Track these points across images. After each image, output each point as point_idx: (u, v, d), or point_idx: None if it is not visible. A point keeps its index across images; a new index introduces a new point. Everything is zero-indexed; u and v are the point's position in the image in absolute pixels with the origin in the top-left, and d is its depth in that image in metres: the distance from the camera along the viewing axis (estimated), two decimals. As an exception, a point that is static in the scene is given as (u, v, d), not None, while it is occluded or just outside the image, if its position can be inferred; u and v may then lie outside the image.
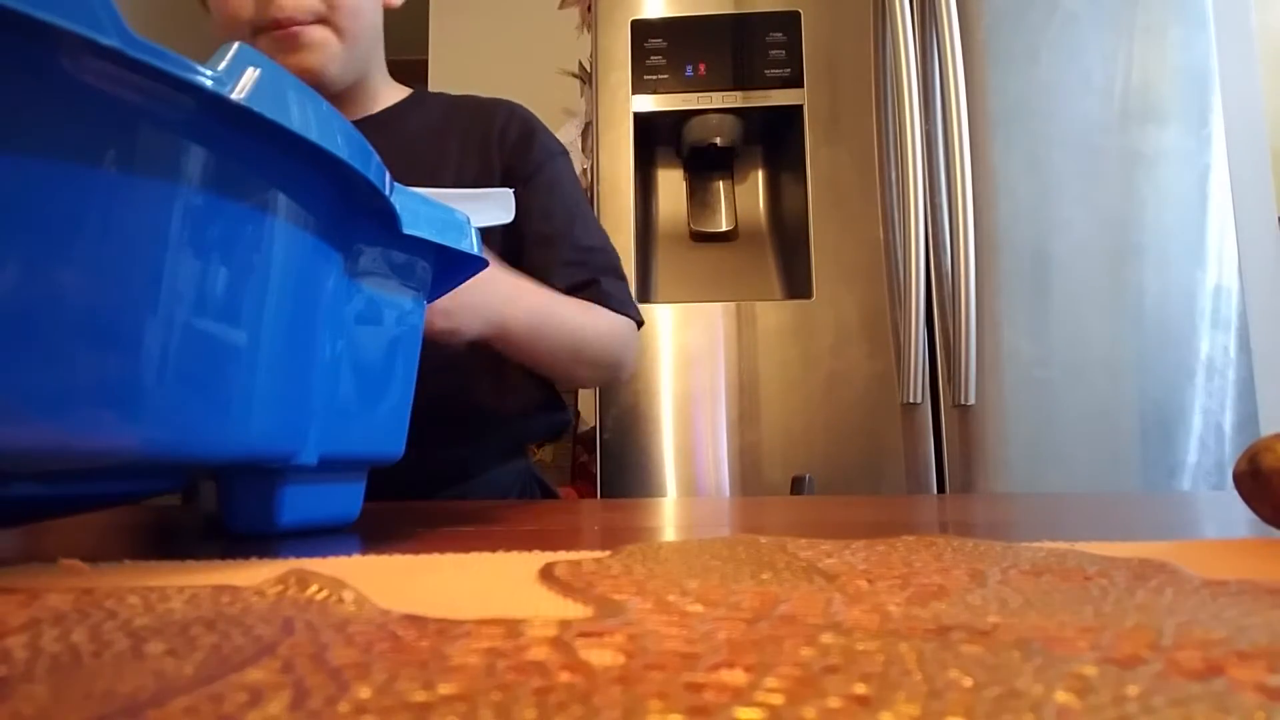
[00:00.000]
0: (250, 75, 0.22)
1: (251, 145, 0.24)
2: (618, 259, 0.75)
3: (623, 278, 0.74)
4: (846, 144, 1.16)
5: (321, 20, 0.64)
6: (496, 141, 0.72)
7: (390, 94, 0.76)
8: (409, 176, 0.70)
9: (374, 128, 0.71)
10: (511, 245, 0.70)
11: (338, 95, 0.69)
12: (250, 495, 0.29)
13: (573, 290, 0.69)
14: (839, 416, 1.10)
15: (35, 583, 0.19)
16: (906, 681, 0.10)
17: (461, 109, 0.76)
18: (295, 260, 0.26)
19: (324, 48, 0.65)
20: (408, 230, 0.31)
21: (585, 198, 0.77)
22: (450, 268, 0.37)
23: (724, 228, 1.26)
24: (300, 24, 0.63)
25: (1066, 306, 1.12)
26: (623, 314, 0.71)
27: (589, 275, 0.70)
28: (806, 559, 0.20)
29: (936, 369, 1.11)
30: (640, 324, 0.74)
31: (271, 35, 0.63)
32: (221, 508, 0.30)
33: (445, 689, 0.10)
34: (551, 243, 0.70)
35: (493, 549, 0.25)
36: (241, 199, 0.24)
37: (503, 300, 0.59)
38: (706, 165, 1.27)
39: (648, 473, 1.10)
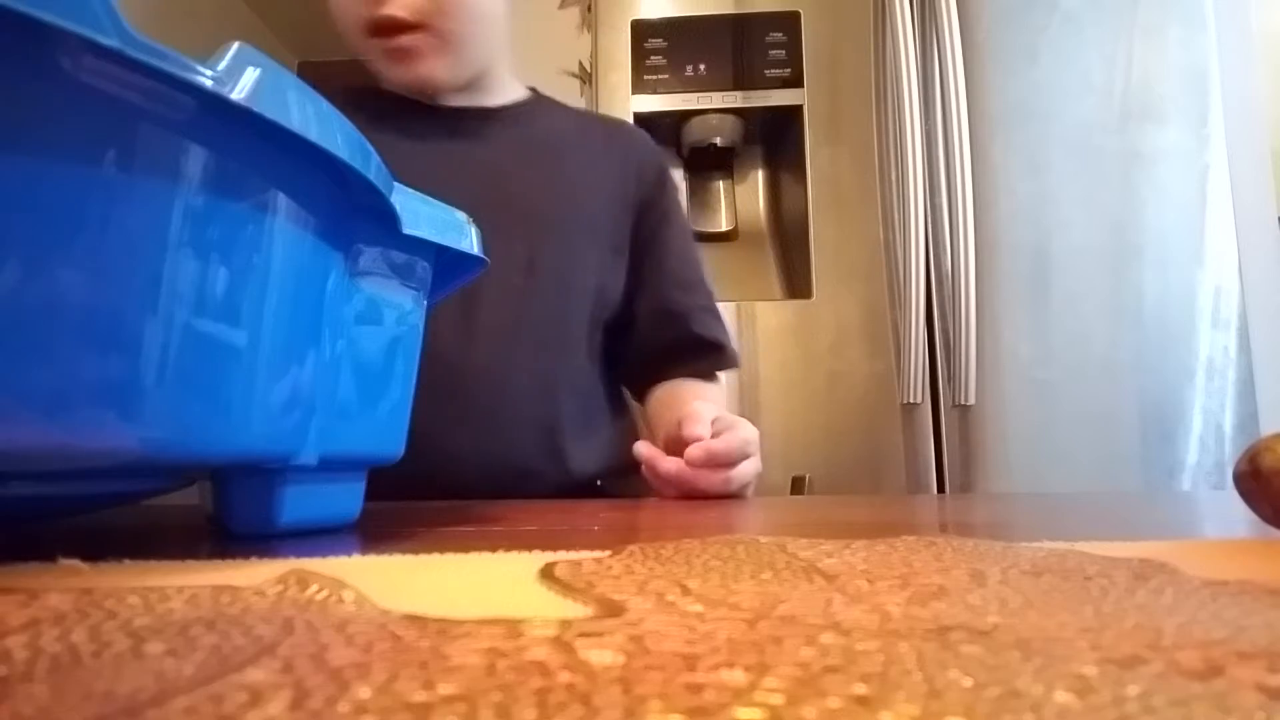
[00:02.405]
0: (250, 75, 0.22)
1: (251, 145, 0.24)
2: None
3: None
4: (846, 144, 1.16)
5: (426, 26, 0.64)
6: (635, 170, 0.74)
7: (512, 90, 0.76)
8: (539, 171, 0.69)
9: (497, 120, 0.72)
10: (615, 273, 0.72)
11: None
12: (250, 495, 0.29)
13: (706, 346, 0.73)
14: (839, 416, 1.10)
15: (35, 583, 0.19)
16: (906, 681, 0.10)
17: (593, 122, 0.78)
18: (295, 260, 0.26)
19: (430, 57, 0.65)
20: (408, 230, 0.31)
21: None
22: (450, 268, 0.37)
23: (724, 228, 1.26)
24: (408, 26, 0.63)
25: (1066, 306, 1.12)
26: (733, 366, 0.76)
27: (715, 322, 0.75)
28: (806, 559, 0.20)
29: (936, 369, 1.11)
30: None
31: (381, 46, 0.64)
32: (221, 508, 0.30)
33: (445, 689, 0.10)
34: (693, 287, 0.74)
35: (493, 549, 0.25)
36: (241, 199, 0.24)
37: None
38: (706, 165, 1.28)
39: (648, 473, 1.10)
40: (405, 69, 0.66)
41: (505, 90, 0.75)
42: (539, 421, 0.66)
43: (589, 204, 0.71)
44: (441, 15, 0.64)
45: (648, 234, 0.73)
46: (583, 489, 0.69)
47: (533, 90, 0.78)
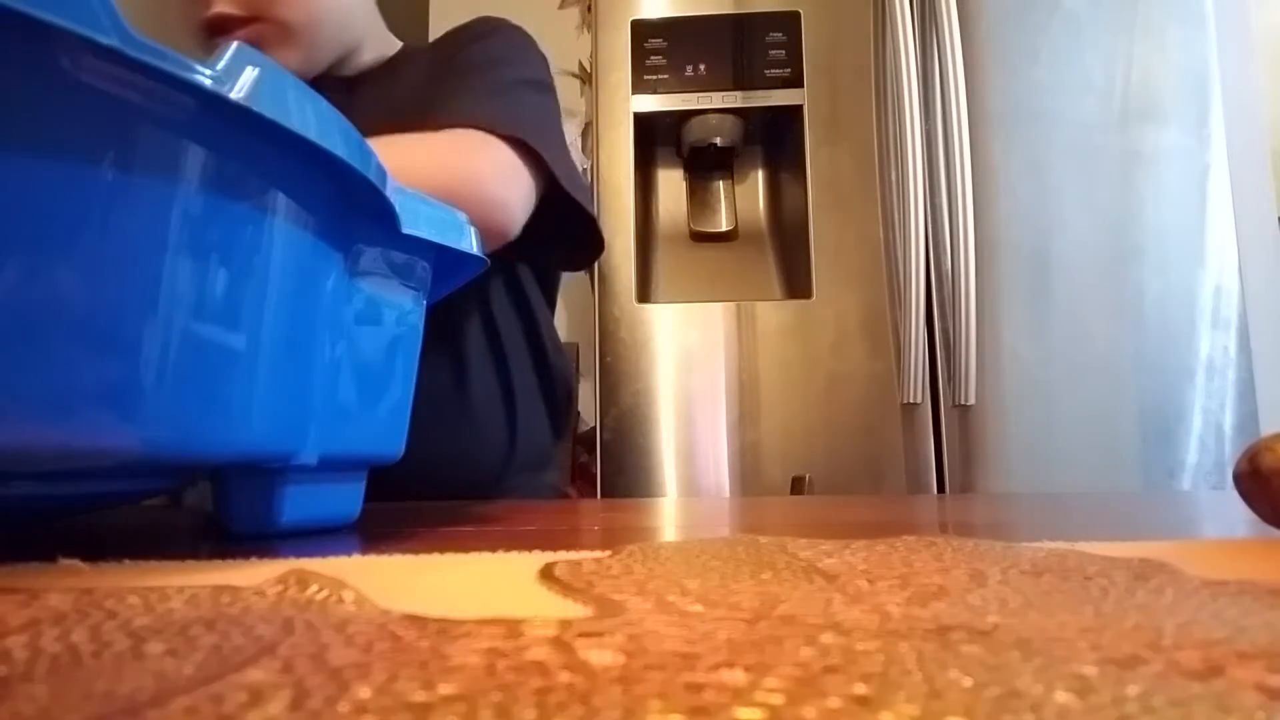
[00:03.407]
0: (249, 75, 0.22)
1: (251, 145, 0.24)
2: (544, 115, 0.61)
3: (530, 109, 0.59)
4: (846, 144, 1.16)
5: (263, 19, 0.58)
6: (450, 69, 0.63)
7: (383, 49, 0.70)
8: (402, 131, 0.60)
9: (360, 85, 0.65)
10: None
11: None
12: (250, 495, 0.29)
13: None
14: (839, 416, 1.10)
15: (35, 583, 0.19)
16: (906, 681, 0.10)
17: (441, 50, 0.67)
18: (295, 260, 0.26)
19: (273, 48, 0.59)
20: (408, 230, 0.31)
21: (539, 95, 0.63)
22: (450, 268, 0.37)
23: (724, 228, 1.26)
24: (241, 22, 0.58)
25: (1066, 307, 1.12)
26: (488, 131, 0.56)
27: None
28: (806, 559, 0.20)
29: (936, 369, 1.11)
30: (510, 139, 0.57)
31: (217, 43, 0.58)
32: (221, 508, 0.30)
33: (445, 689, 0.10)
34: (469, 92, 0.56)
35: (493, 549, 0.25)
36: (241, 199, 0.24)
37: None
38: (706, 165, 1.27)
39: (648, 473, 1.10)
40: None
41: (371, 54, 0.69)
42: (479, 393, 0.63)
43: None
44: (277, 5, 0.59)
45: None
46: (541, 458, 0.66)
47: (404, 43, 0.72)
